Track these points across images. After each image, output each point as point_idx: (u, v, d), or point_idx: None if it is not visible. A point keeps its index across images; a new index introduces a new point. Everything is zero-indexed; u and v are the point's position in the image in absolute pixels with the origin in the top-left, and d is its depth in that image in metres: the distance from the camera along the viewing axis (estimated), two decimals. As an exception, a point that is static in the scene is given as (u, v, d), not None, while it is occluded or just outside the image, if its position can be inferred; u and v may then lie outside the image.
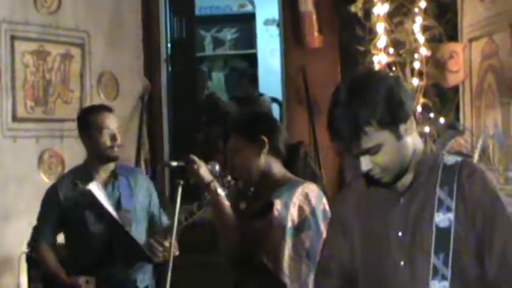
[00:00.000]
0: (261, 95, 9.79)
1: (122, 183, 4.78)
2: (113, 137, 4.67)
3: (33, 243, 4.90)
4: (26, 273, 6.20)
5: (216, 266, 3.92)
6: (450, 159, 2.57)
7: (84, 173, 4.76)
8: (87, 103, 7.13)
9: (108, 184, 4.75)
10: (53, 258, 4.74)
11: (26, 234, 6.32)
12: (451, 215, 2.46)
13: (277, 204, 3.45)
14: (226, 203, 3.55)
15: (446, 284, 2.44)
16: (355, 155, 2.50)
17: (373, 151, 2.49)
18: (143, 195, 4.88)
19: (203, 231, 4.71)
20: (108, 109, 4.86)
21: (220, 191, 3.55)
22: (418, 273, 2.49)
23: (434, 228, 2.47)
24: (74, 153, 6.87)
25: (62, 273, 4.65)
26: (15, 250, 6.30)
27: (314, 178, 3.73)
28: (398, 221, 2.55)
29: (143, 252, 4.55)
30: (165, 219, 4.91)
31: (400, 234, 2.54)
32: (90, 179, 4.69)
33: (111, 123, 4.71)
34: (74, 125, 6.93)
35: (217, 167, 3.65)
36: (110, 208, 4.60)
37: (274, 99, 9.60)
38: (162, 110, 8.21)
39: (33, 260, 6.07)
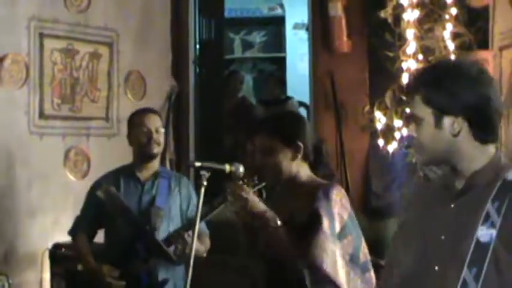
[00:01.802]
0: (289, 98, 9.77)
1: (162, 184, 4.93)
2: (149, 135, 4.83)
3: (72, 231, 5.11)
4: (49, 270, 6.23)
5: (236, 266, 3.90)
6: None
7: (128, 171, 4.96)
8: (114, 102, 7.18)
9: (148, 181, 4.92)
10: (85, 244, 4.97)
11: (51, 231, 6.39)
12: (493, 232, 2.37)
13: (324, 215, 3.40)
14: (283, 234, 3.41)
15: None
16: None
17: (416, 121, 2.52)
18: (182, 197, 4.99)
19: (224, 231, 4.70)
20: (151, 110, 5.10)
21: (279, 221, 3.41)
22: (448, 282, 2.42)
23: (474, 241, 2.39)
24: (100, 152, 6.93)
25: (90, 258, 4.84)
26: (39, 247, 6.34)
27: (331, 178, 3.70)
28: (444, 224, 2.51)
29: (164, 251, 4.61)
30: (202, 226, 4.89)
31: (442, 237, 2.50)
32: (133, 176, 4.91)
33: (149, 122, 4.89)
34: (100, 123, 7.03)
35: (241, 169, 3.60)
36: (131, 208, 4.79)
37: (301, 103, 9.57)
38: (188, 110, 8.21)
39: (57, 256, 6.13)
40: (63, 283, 6.02)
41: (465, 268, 2.38)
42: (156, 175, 4.94)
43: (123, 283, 4.67)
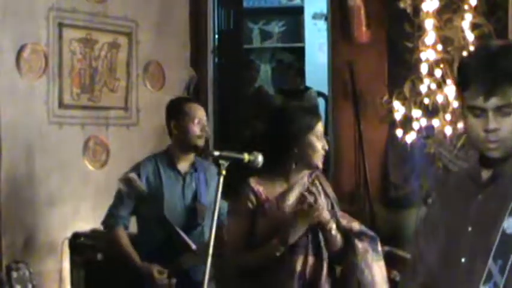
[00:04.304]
0: (308, 88, 9.75)
1: (200, 177, 4.93)
2: (203, 128, 4.86)
3: (110, 224, 4.97)
4: (68, 259, 6.26)
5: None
6: None
7: (168, 161, 4.91)
8: (133, 92, 7.18)
9: (188, 174, 4.91)
10: (127, 241, 4.86)
11: (70, 221, 6.41)
12: None
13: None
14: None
15: None
16: (490, 108, 2.36)
17: (508, 110, 2.36)
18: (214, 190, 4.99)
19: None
20: (198, 101, 5.17)
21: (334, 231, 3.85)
22: (474, 274, 2.38)
23: (500, 233, 2.33)
24: (119, 141, 6.95)
25: (136, 257, 4.78)
26: (59, 236, 6.36)
27: None
28: (471, 216, 2.46)
29: (185, 243, 4.61)
30: None
31: (469, 229, 2.45)
32: (173, 167, 4.90)
33: (202, 114, 4.90)
34: (119, 113, 7.04)
35: (259, 158, 3.62)
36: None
37: (320, 94, 9.56)
38: (207, 100, 8.21)
39: (76, 245, 6.15)
40: (82, 272, 6.05)
41: (490, 260, 2.33)
42: (194, 167, 4.93)
43: (173, 281, 4.70)
